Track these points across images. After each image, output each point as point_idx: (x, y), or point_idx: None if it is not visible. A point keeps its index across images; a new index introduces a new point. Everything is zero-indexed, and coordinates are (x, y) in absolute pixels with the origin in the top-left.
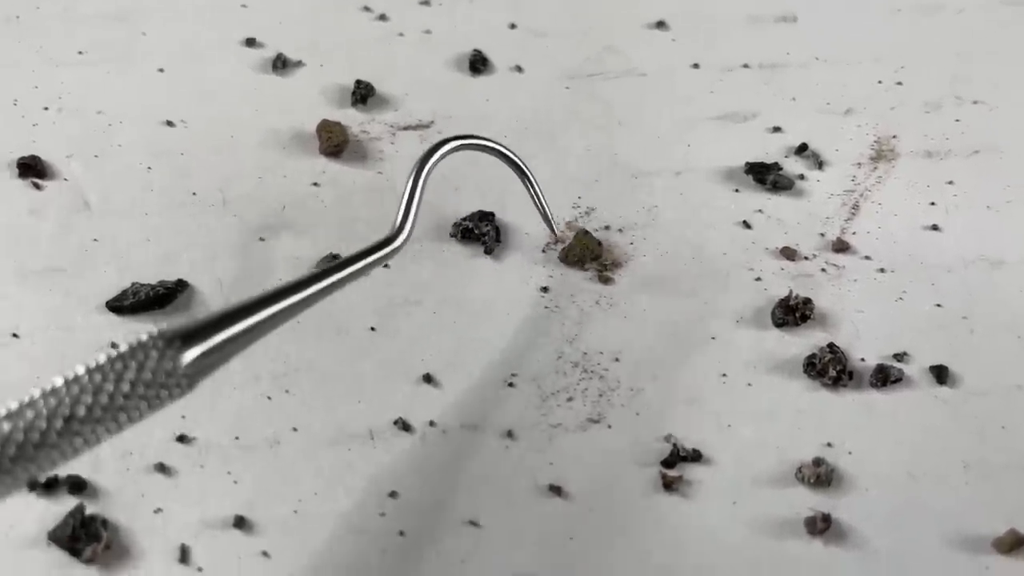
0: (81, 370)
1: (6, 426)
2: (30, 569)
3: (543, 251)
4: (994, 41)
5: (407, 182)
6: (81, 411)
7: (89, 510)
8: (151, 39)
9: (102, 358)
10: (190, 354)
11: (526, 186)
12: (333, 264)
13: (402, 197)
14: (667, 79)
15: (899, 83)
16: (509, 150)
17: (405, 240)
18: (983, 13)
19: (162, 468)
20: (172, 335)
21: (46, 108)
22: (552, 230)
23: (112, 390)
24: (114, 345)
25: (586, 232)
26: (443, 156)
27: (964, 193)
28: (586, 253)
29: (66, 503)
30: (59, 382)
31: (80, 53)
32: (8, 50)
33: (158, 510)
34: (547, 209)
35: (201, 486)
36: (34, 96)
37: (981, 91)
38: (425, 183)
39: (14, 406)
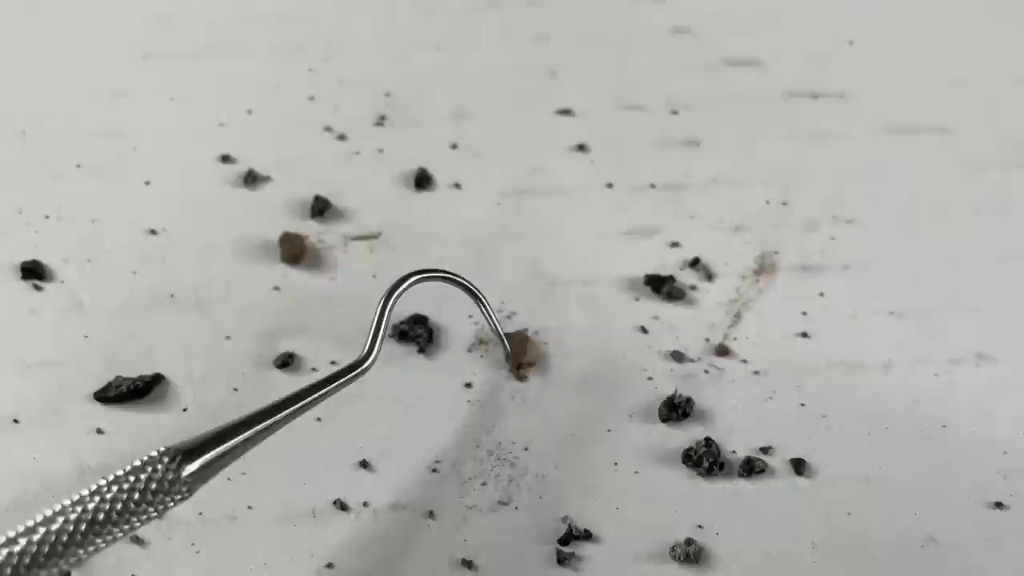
0: (102, 482)
1: (41, 530)
2: None
3: (468, 351)
4: (871, 166)
5: (376, 311)
6: (101, 516)
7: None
8: (140, 154)
9: (119, 472)
10: (190, 467)
11: (483, 313)
12: (309, 386)
13: (371, 324)
14: (584, 196)
15: (784, 203)
16: (468, 281)
17: (372, 362)
18: (864, 140)
19: (137, 540)
20: (175, 451)
21: (47, 216)
22: (507, 352)
23: (126, 498)
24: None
25: (508, 335)
26: (408, 287)
27: (832, 304)
28: (523, 353)
29: None
30: (84, 492)
31: (78, 166)
32: (15, 162)
33: None
34: (502, 333)
35: (168, 556)
36: (36, 204)
37: (856, 211)
38: (392, 311)
39: (49, 513)
